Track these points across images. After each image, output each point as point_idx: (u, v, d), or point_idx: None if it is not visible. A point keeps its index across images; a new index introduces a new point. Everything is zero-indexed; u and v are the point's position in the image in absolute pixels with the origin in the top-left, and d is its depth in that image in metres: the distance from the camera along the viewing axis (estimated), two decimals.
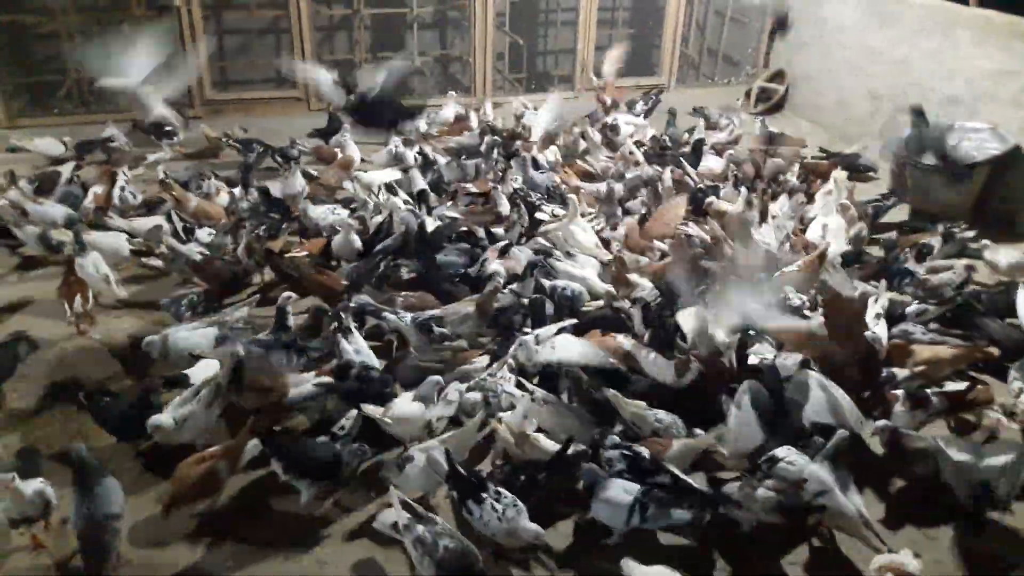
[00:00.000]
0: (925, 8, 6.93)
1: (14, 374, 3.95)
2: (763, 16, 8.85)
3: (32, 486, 3.02)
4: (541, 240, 5.15)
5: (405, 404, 3.55)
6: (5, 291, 4.91)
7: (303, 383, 3.70)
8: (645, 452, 3.31)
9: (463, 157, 6.40)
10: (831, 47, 8.04)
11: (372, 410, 3.53)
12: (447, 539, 2.90)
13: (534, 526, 3.00)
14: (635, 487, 3.12)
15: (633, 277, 4.67)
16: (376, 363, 3.96)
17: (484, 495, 3.04)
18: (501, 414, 3.59)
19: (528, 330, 4.14)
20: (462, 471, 3.15)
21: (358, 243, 4.94)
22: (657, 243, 5.12)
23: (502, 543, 3.07)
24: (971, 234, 5.26)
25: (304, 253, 4.98)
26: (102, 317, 4.63)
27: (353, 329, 4.02)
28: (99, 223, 5.29)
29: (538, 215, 5.50)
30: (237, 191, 5.69)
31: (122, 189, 5.63)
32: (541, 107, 7.12)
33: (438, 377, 3.63)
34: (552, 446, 3.42)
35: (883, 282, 4.66)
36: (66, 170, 5.95)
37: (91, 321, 4.51)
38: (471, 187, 5.89)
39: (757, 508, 3.14)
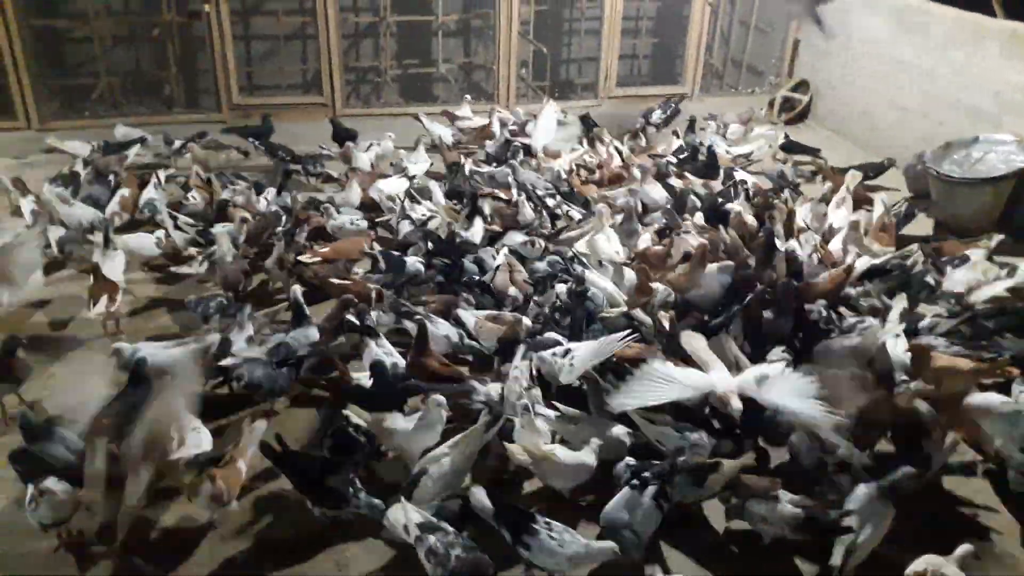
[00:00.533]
0: (952, 20, 6.88)
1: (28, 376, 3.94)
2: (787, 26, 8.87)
3: (62, 487, 3.04)
4: (577, 248, 5.10)
5: (409, 422, 3.47)
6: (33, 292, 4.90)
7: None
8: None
9: (493, 164, 6.47)
10: (856, 57, 8.00)
11: (363, 417, 3.46)
12: (459, 548, 2.83)
13: (600, 543, 2.93)
14: (633, 493, 3.11)
15: (656, 285, 4.68)
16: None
17: (535, 526, 2.93)
18: (515, 428, 3.53)
19: (554, 335, 4.11)
20: (510, 507, 3.05)
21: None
22: (690, 242, 5.13)
23: (567, 572, 2.94)
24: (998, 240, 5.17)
25: (318, 260, 4.97)
26: (129, 318, 4.70)
27: (380, 333, 4.05)
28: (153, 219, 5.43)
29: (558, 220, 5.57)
30: (270, 194, 5.72)
31: (152, 202, 5.56)
32: (539, 117, 7.08)
33: (441, 398, 3.48)
34: (573, 458, 3.35)
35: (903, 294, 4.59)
36: (84, 172, 6.01)
37: (118, 322, 4.57)
38: (499, 192, 5.93)
39: (781, 523, 3.13)
